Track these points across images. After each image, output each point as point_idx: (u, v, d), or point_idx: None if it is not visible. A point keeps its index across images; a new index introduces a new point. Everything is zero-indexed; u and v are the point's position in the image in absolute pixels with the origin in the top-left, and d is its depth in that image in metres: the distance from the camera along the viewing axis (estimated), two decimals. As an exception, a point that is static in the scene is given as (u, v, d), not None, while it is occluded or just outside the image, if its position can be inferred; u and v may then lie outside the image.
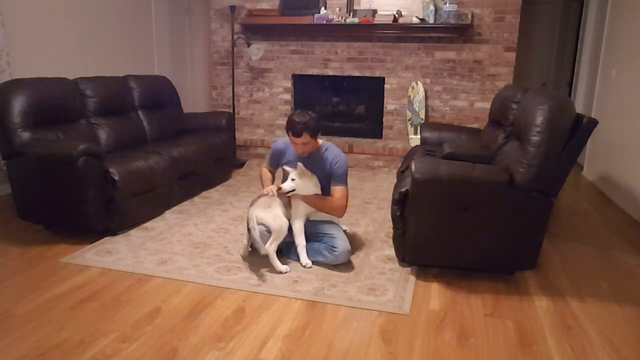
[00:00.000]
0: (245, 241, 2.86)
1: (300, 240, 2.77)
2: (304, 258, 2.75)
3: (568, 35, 6.27)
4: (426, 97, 5.28)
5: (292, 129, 2.72)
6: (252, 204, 2.80)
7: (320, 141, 2.90)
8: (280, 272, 2.66)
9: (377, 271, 2.73)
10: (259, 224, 2.67)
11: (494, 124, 3.59)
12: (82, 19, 4.54)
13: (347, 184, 2.86)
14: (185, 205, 3.87)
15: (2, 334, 2.06)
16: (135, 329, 2.12)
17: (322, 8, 5.26)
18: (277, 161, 3.02)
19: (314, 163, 2.85)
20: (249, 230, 2.66)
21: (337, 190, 2.82)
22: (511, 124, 3.12)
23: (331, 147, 2.92)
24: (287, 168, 2.79)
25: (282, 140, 3.00)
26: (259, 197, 2.82)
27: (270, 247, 2.66)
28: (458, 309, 2.36)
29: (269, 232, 2.69)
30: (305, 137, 2.72)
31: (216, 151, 4.40)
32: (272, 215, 2.70)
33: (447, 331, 2.17)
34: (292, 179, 2.72)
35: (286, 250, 2.87)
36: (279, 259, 2.70)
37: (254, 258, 2.83)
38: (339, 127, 5.78)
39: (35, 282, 2.54)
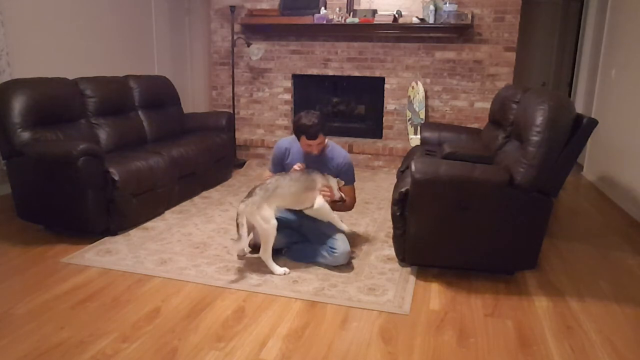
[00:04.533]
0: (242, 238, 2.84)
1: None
2: (343, 225, 2.84)
3: (568, 35, 6.27)
4: (426, 97, 5.28)
5: (307, 133, 2.71)
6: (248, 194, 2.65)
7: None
8: (279, 275, 2.65)
9: (377, 271, 2.73)
10: (239, 222, 2.56)
11: (494, 124, 3.59)
12: (82, 19, 4.53)
13: (354, 181, 3.02)
14: (185, 205, 3.87)
15: (2, 334, 2.06)
16: (135, 329, 2.12)
17: (322, 8, 5.25)
18: (280, 161, 2.97)
19: (319, 160, 2.87)
20: (237, 225, 2.57)
21: (350, 189, 2.98)
22: (511, 124, 3.12)
23: (334, 146, 2.97)
24: (330, 178, 2.82)
25: (285, 139, 2.99)
26: (293, 171, 2.77)
27: (265, 255, 2.64)
28: (458, 309, 2.36)
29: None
30: (321, 137, 2.76)
31: (216, 151, 4.40)
32: (260, 215, 2.55)
33: (447, 331, 2.17)
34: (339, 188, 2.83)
35: (286, 250, 2.87)
36: (279, 260, 2.70)
37: (254, 258, 2.83)
38: (339, 127, 5.77)
39: (35, 282, 2.54)
